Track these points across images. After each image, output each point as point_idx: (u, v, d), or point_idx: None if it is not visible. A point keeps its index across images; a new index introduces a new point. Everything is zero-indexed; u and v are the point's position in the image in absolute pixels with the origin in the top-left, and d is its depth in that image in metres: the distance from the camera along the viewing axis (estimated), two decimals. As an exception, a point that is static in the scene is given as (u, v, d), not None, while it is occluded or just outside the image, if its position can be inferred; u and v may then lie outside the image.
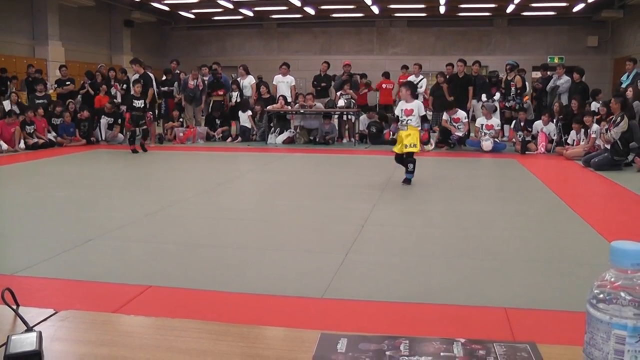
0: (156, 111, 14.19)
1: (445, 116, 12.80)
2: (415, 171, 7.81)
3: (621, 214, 6.53)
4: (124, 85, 14.34)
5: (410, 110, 7.75)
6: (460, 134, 12.58)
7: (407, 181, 7.89)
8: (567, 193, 7.47)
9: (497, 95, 13.81)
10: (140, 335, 1.14)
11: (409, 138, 7.67)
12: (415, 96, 8.19)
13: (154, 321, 1.18)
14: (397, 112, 8.02)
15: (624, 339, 0.68)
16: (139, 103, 11.78)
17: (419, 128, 7.87)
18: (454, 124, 12.66)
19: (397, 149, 7.87)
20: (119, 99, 14.28)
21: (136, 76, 12.87)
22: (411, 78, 14.44)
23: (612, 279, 0.71)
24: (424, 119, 8.02)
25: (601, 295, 0.71)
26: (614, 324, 0.68)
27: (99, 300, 3.68)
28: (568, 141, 11.73)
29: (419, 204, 6.89)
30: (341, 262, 4.41)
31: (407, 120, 7.72)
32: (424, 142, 7.79)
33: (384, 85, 16.30)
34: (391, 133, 8.05)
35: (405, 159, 7.84)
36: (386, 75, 16.01)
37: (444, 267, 4.44)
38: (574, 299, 3.69)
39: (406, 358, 0.95)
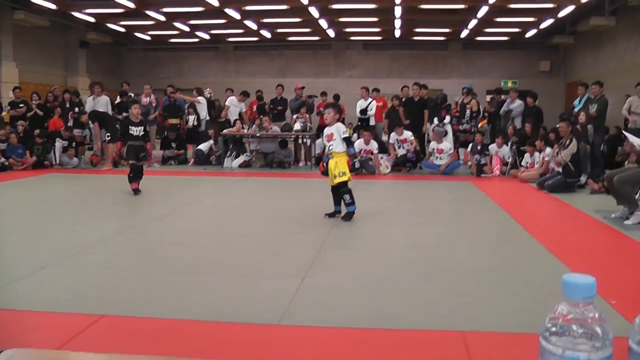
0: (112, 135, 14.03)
1: (392, 138, 12.92)
2: (356, 202, 7.11)
3: (574, 235, 6.64)
4: (77, 109, 14.16)
5: (331, 134, 7.08)
6: (405, 153, 12.73)
7: (348, 216, 7.07)
8: (522, 215, 7.57)
9: (447, 119, 13.98)
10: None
11: (337, 167, 7.00)
12: (341, 119, 7.63)
13: (103, 358, 1.14)
14: (323, 139, 7.42)
15: (577, 373, 0.68)
16: (137, 130, 9.24)
17: (345, 152, 7.08)
18: (402, 144, 12.80)
19: (331, 181, 7.16)
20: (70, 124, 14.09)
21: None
22: (360, 102, 14.57)
23: (564, 312, 0.70)
24: (347, 141, 7.11)
25: (554, 329, 0.70)
26: (567, 357, 0.68)
27: (49, 332, 3.58)
28: (522, 164, 11.93)
29: (376, 227, 6.89)
30: (298, 286, 4.38)
31: (330, 146, 7.11)
32: (350, 168, 7.07)
33: (322, 108, 16.12)
34: (324, 164, 7.31)
35: (339, 192, 7.13)
36: (323, 94, 16.01)
37: (402, 290, 4.43)
38: (529, 321, 3.73)
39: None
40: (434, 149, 12.53)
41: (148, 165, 9.23)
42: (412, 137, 12.85)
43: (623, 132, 10.40)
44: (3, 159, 12.68)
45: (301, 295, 4.22)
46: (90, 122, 13.74)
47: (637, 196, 7.59)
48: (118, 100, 14.79)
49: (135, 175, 9.07)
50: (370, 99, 14.53)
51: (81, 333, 3.46)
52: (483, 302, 4.10)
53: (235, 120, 14.29)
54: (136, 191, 9.01)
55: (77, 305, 4.00)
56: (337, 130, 7.06)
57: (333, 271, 4.95)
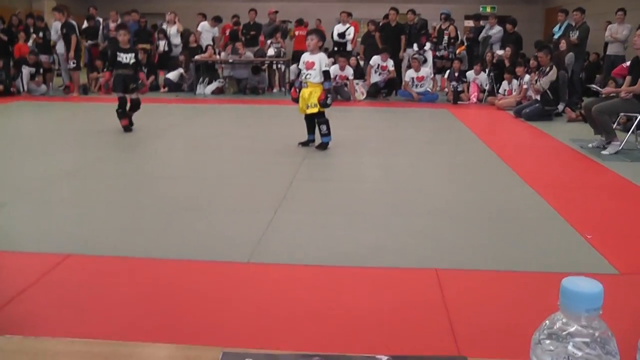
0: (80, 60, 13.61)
1: (373, 61, 12.66)
2: (333, 132, 7.03)
3: (551, 166, 6.58)
4: (41, 34, 13.66)
5: (312, 63, 6.80)
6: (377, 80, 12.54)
7: (322, 146, 6.99)
8: (498, 144, 7.48)
9: (428, 45, 13.74)
10: None
11: (311, 97, 6.80)
12: (323, 47, 7.34)
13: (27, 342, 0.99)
14: (300, 65, 7.14)
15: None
16: (127, 58, 8.10)
17: (322, 84, 6.82)
18: (381, 71, 12.58)
19: (300, 109, 7.03)
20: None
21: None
22: (338, 26, 14.22)
23: (561, 326, 0.57)
24: (326, 75, 6.86)
25: (547, 345, 0.57)
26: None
27: (12, 273, 3.45)
28: (500, 91, 11.81)
29: (349, 157, 6.76)
30: (269, 222, 4.27)
31: (307, 75, 6.83)
32: (321, 102, 6.75)
33: (296, 32, 15.63)
34: (297, 90, 7.08)
35: (316, 121, 7.01)
36: (299, 21, 15.58)
37: (374, 225, 4.35)
38: (505, 257, 3.68)
39: (321, 384, 0.81)
40: (412, 78, 12.30)
41: (140, 94, 8.28)
42: (392, 68, 12.61)
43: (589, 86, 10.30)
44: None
45: (272, 231, 4.11)
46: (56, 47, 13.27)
47: (614, 126, 7.54)
48: (85, 25, 14.28)
49: (124, 110, 8.14)
50: (347, 24, 14.17)
51: (46, 274, 3.35)
52: (457, 238, 4.03)
53: (207, 46, 13.91)
54: (127, 128, 8.11)
55: (41, 244, 3.87)
56: (319, 60, 6.82)
57: (305, 205, 4.85)
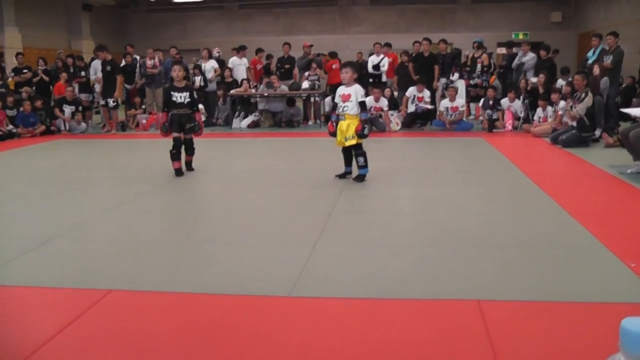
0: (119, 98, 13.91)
1: (409, 92, 12.70)
2: (369, 163, 7.03)
3: (591, 193, 6.50)
4: (83, 73, 13.98)
5: (348, 95, 6.87)
6: (415, 110, 12.56)
7: (360, 178, 6.99)
8: (536, 172, 7.42)
9: (456, 76, 13.73)
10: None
11: (349, 129, 6.85)
12: (358, 79, 7.29)
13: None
14: (336, 98, 7.16)
15: None
16: (182, 97, 7.66)
17: (359, 115, 6.89)
18: (417, 102, 12.60)
19: (337, 142, 7.04)
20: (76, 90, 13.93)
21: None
22: (372, 57, 14.33)
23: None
24: (362, 105, 6.91)
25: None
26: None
27: (56, 309, 3.51)
28: (534, 118, 11.74)
29: (386, 189, 6.75)
30: (308, 256, 4.29)
31: (344, 107, 6.87)
32: (358, 133, 6.80)
33: (333, 66, 15.71)
34: (334, 124, 7.07)
35: (352, 153, 7.06)
36: (332, 55, 15.73)
37: (413, 257, 4.33)
38: (547, 287, 3.63)
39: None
40: (447, 108, 12.29)
41: (196, 137, 7.98)
42: (429, 99, 12.64)
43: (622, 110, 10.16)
44: (11, 126, 12.56)
45: (311, 265, 4.12)
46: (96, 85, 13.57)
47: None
48: (123, 63, 14.59)
49: (179, 152, 7.73)
50: (382, 55, 14.26)
51: (89, 309, 3.40)
52: (498, 269, 4.00)
53: (243, 80, 14.09)
54: (178, 172, 7.69)
55: (84, 280, 3.93)
56: (355, 92, 6.88)
57: (344, 238, 4.84)
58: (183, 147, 7.79)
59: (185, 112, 7.69)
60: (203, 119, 8.91)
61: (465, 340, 2.93)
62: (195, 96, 8.01)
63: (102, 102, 13.05)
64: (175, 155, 7.71)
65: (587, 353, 2.71)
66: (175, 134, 7.70)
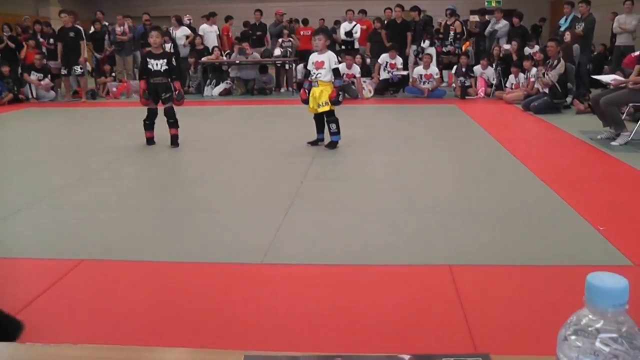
0: (87, 65, 13.69)
1: (381, 59, 12.67)
2: (342, 130, 7.06)
3: (561, 158, 6.56)
4: (51, 40, 13.70)
5: (321, 62, 6.86)
6: (388, 77, 12.56)
7: (332, 145, 7.02)
8: (508, 138, 7.46)
9: (427, 43, 13.69)
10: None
11: (322, 96, 6.83)
12: (331, 46, 7.28)
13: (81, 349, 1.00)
14: (308, 65, 7.14)
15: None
16: (158, 64, 7.26)
17: (332, 82, 6.87)
18: (390, 69, 12.58)
19: (310, 108, 7.03)
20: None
21: (119, 28, 12.11)
22: (344, 24, 14.24)
23: (587, 323, 0.58)
24: (336, 72, 6.90)
25: (573, 341, 0.58)
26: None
27: (28, 279, 3.48)
28: (507, 85, 11.79)
29: (358, 155, 6.76)
30: (281, 222, 4.28)
31: (317, 74, 6.86)
32: (332, 100, 6.79)
33: (302, 32, 15.31)
34: (306, 91, 7.04)
35: (325, 120, 7.05)
36: (304, 22, 15.53)
37: (386, 223, 4.35)
38: (517, 251, 3.67)
39: (344, 385, 0.81)
40: (420, 75, 12.28)
41: (177, 105, 7.47)
42: (401, 66, 12.63)
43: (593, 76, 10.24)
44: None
45: (284, 232, 4.12)
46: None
47: (623, 116, 7.51)
48: (92, 30, 14.34)
49: (152, 123, 7.47)
50: (354, 22, 14.17)
51: (61, 279, 3.37)
52: (469, 235, 4.03)
53: (214, 48, 13.94)
54: (150, 141, 7.49)
55: (55, 250, 3.89)
56: (328, 59, 6.87)
57: (316, 205, 4.85)
58: (165, 119, 7.42)
59: (161, 80, 7.29)
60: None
61: (437, 305, 2.96)
62: (174, 63, 7.61)
63: (64, 71, 12.78)
64: (147, 126, 7.48)
65: (555, 313, 2.74)
66: (151, 105, 7.40)
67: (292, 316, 2.86)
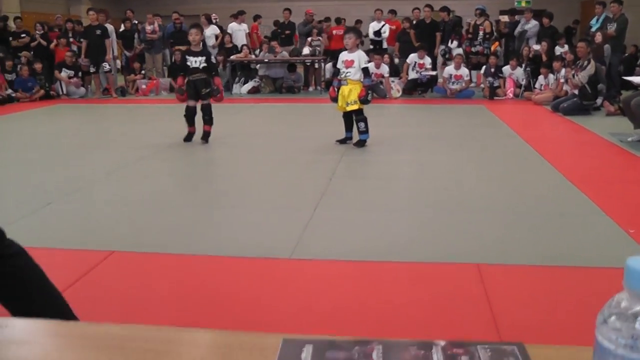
0: (117, 63, 13.83)
1: (410, 59, 12.65)
2: (370, 129, 7.06)
3: (590, 160, 6.51)
4: (80, 39, 13.85)
5: (351, 61, 6.87)
6: (416, 77, 12.52)
7: (360, 143, 7.03)
8: (536, 139, 7.41)
9: (455, 44, 13.63)
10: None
11: (351, 94, 6.85)
12: (360, 45, 7.33)
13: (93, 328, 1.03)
14: (338, 64, 7.17)
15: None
16: (197, 62, 7.27)
17: (361, 81, 6.88)
18: (418, 69, 12.55)
19: (338, 107, 7.06)
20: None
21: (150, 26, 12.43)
22: (373, 24, 14.23)
23: (627, 305, 0.59)
24: (365, 71, 6.92)
25: (612, 323, 0.59)
26: (627, 358, 0.57)
27: (58, 270, 3.52)
28: (536, 86, 11.70)
29: (386, 154, 6.77)
30: (309, 218, 4.31)
31: (347, 73, 6.88)
32: (361, 99, 6.80)
33: (334, 32, 15.51)
34: (335, 89, 7.06)
35: (353, 119, 7.09)
36: (337, 21, 15.60)
37: (413, 221, 4.36)
38: (546, 252, 3.65)
39: (379, 368, 0.83)
40: (450, 75, 12.24)
41: (215, 102, 7.46)
42: (430, 66, 12.60)
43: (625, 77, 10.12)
44: (10, 91, 12.50)
45: (312, 228, 4.15)
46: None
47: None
48: (122, 28, 14.47)
49: (192, 118, 7.45)
50: (382, 22, 14.17)
51: (91, 270, 3.42)
52: (498, 233, 4.02)
53: (242, 46, 14.02)
54: (189, 136, 7.48)
55: (86, 241, 3.94)
56: (358, 58, 6.90)
57: (344, 202, 4.87)
58: (201, 115, 7.41)
59: (200, 77, 7.28)
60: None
61: (465, 304, 2.95)
62: (213, 61, 7.65)
63: (93, 69, 12.92)
64: (189, 119, 7.46)
65: (584, 316, 2.73)
66: (190, 102, 7.38)
67: (319, 312, 2.88)
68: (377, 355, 0.87)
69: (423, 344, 0.90)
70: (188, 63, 7.28)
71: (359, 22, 15.50)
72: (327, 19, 15.66)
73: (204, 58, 7.29)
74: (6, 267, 2.21)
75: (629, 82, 9.34)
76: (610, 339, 0.58)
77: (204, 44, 13.79)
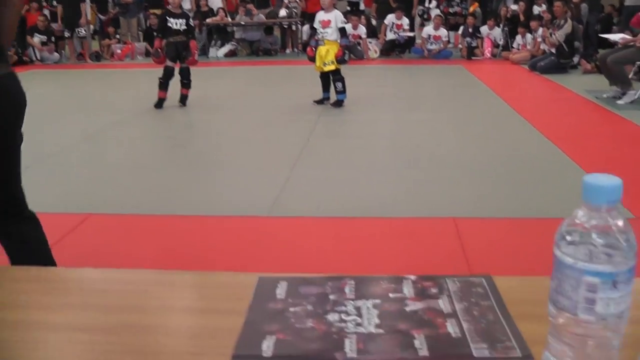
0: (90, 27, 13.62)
1: (387, 19, 12.60)
2: (347, 90, 7.06)
3: (568, 117, 6.56)
4: (54, 2, 13.61)
5: (328, 21, 6.85)
6: (394, 38, 12.48)
7: (337, 103, 7.04)
8: (514, 98, 7.45)
9: (433, 4, 13.57)
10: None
11: (328, 55, 6.83)
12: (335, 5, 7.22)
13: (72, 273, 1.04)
14: (315, 24, 7.14)
15: (595, 287, 0.59)
16: (178, 23, 7.17)
17: (338, 42, 6.89)
18: (396, 30, 12.50)
19: (316, 67, 7.03)
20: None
21: None
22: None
23: (583, 219, 0.61)
24: (342, 31, 6.94)
25: (570, 238, 0.61)
26: (585, 270, 0.59)
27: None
28: (513, 45, 11.71)
29: (363, 114, 6.77)
30: (287, 177, 4.32)
31: (324, 33, 6.87)
32: (338, 59, 6.81)
33: None
34: (313, 49, 7.04)
35: (331, 79, 7.07)
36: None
37: (391, 178, 4.38)
38: (521, 205, 3.70)
39: (352, 302, 0.85)
40: (429, 35, 12.20)
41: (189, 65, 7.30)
42: (407, 27, 12.54)
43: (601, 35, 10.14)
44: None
45: (290, 186, 4.16)
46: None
47: (630, 75, 7.48)
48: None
49: (167, 82, 7.23)
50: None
51: (69, 234, 3.41)
52: (474, 189, 4.06)
53: (218, 9, 13.86)
54: (160, 102, 7.28)
55: (63, 205, 3.93)
56: (335, 18, 6.88)
57: (322, 161, 4.88)
58: (179, 77, 7.30)
59: (181, 39, 7.15)
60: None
61: (440, 252, 3.00)
62: (192, 24, 7.55)
63: (67, 34, 12.72)
64: (162, 85, 7.24)
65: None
66: (169, 63, 7.18)
67: (297, 267, 2.90)
68: (349, 289, 0.88)
69: (394, 278, 0.92)
70: (169, 24, 7.14)
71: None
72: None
73: (184, 20, 7.20)
74: (23, 233, 2.20)
75: (606, 40, 9.37)
76: (569, 253, 0.60)
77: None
